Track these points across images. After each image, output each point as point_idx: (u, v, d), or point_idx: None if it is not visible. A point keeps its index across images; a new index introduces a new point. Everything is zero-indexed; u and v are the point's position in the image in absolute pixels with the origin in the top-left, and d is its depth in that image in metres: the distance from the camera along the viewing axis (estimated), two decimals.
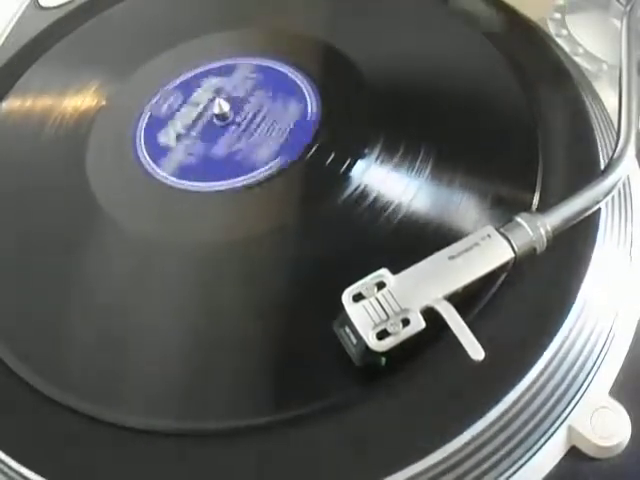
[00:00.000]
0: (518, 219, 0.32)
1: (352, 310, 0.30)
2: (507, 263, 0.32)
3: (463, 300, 0.31)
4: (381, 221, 0.36)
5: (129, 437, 0.32)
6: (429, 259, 0.31)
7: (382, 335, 0.29)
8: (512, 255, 0.32)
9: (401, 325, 0.30)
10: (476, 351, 0.29)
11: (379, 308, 0.30)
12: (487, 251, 0.31)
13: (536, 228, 0.32)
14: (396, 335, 0.29)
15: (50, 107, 0.46)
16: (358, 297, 0.30)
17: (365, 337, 0.29)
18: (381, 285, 0.31)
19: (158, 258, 0.37)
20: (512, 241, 0.32)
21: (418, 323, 0.30)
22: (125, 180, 0.41)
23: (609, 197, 0.34)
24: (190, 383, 0.33)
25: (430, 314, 0.30)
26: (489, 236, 0.32)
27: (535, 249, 0.32)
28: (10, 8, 0.54)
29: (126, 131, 0.43)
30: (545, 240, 0.32)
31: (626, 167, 0.34)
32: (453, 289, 0.30)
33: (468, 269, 0.31)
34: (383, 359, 0.30)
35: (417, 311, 0.30)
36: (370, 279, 0.31)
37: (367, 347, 0.29)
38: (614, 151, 0.35)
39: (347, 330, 0.31)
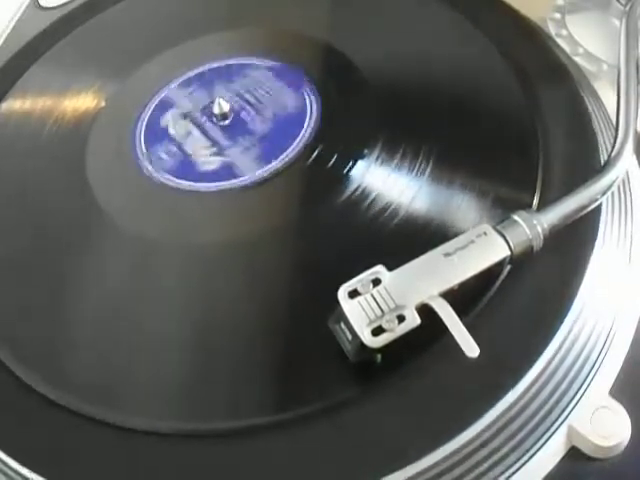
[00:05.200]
0: (515, 217, 0.32)
1: (347, 306, 0.30)
2: (503, 261, 0.32)
3: (459, 297, 0.31)
4: (381, 221, 0.36)
5: (129, 438, 0.32)
6: (425, 256, 0.31)
7: (377, 331, 0.29)
8: (508, 253, 0.31)
9: (396, 322, 0.29)
10: (471, 348, 0.29)
11: (374, 304, 0.30)
12: (483, 248, 0.31)
13: (533, 226, 0.32)
14: (391, 332, 0.29)
15: (50, 107, 0.46)
16: (354, 293, 0.30)
17: (360, 333, 0.29)
18: (377, 281, 0.31)
19: (158, 258, 0.38)
20: (508, 239, 0.32)
21: (413, 320, 0.29)
22: (125, 180, 0.41)
23: (607, 195, 0.34)
24: (189, 384, 0.33)
25: (426, 311, 0.30)
26: (485, 233, 0.32)
27: (532, 247, 0.32)
28: (10, 8, 0.55)
29: (126, 131, 0.43)
30: (542, 238, 0.32)
31: (624, 165, 0.34)
32: (448, 286, 0.30)
33: (464, 266, 0.31)
34: (378, 356, 0.30)
35: (412, 308, 0.30)
36: (366, 275, 0.31)
37: (362, 343, 0.29)
38: (612, 149, 0.35)
39: (342, 326, 0.31)
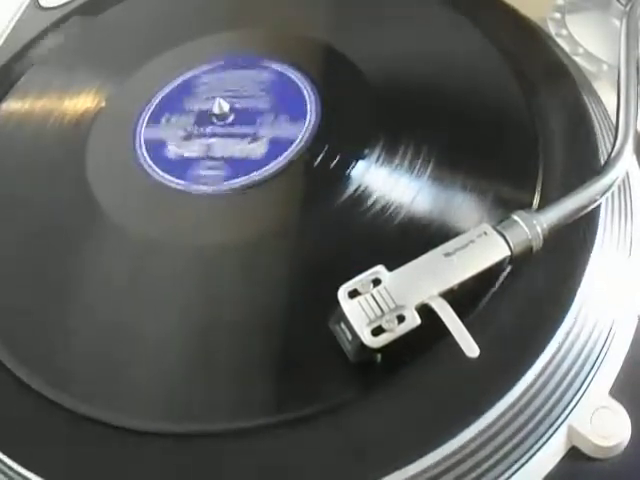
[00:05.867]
0: (514, 217, 0.32)
1: (347, 306, 0.30)
2: (503, 261, 0.32)
3: (460, 297, 0.31)
4: (382, 221, 0.36)
5: (129, 438, 0.32)
6: (425, 256, 0.31)
7: (377, 331, 0.29)
8: (508, 253, 0.31)
9: (396, 322, 0.29)
10: (471, 348, 0.29)
11: (374, 304, 0.30)
12: (483, 248, 0.31)
13: (532, 226, 0.32)
14: (391, 332, 0.29)
15: (50, 108, 0.46)
16: (354, 293, 0.30)
17: (360, 333, 0.29)
18: (377, 282, 0.30)
19: (158, 259, 0.37)
20: (508, 239, 0.32)
21: (413, 320, 0.29)
22: (125, 181, 0.41)
23: (606, 195, 0.34)
24: (189, 384, 0.33)
25: (426, 311, 0.30)
26: (485, 233, 0.32)
27: (531, 247, 0.32)
28: (10, 8, 0.55)
29: (126, 132, 0.43)
30: (541, 238, 0.32)
31: (623, 165, 0.34)
32: (448, 286, 0.30)
33: (463, 266, 0.31)
34: (378, 356, 0.30)
35: (412, 308, 0.30)
36: (366, 276, 0.31)
37: (362, 343, 0.29)
38: (611, 149, 0.35)
39: (343, 326, 0.31)
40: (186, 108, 0.43)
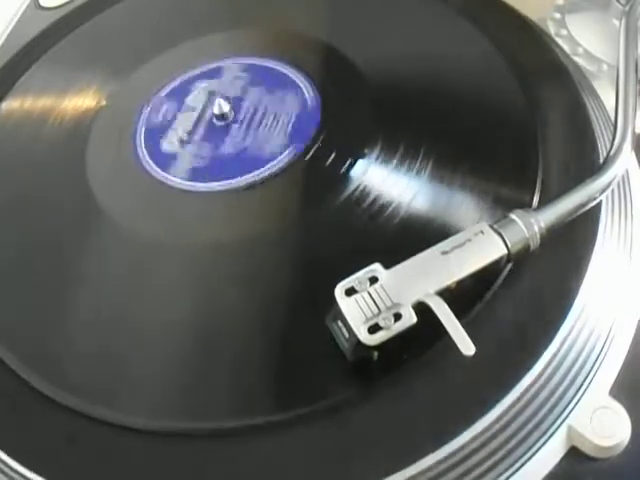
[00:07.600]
0: (512, 216, 0.32)
1: (344, 304, 0.30)
2: (500, 260, 0.32)
3: (458, 296, 0.31)
4: (381, 221, 0.36)
5: (129, 437, 0.32)
6: (422, 254, 0.31)
7: (374, 329, 0.29)
8: (505, 252, 0.31)
9: (393, 319, 0.29)
10: (467, 346, 0.29)
11: (371, 302, 0.30)
12: (480, 247, 0.31)
13: (530, 225, 0.32)
14: (388, 329, 0.29)
15: (50, 107, 0.46)
16: (351, 291, 0.30)
17: (357, 331, 0.29)
18: (374, 279, 0.30)
19: (157, 258, 0.38)
20: (505, 238, 0.32)
21: (410, 318, 0.29)
22: (125, 180, 0.41)
23: (605, 194, 0.34)
24: (189, 383, 0.33)
25: (423, 309, 0.30)
26: (482, 232, 0.32)
27: (529, 246, 0.32)
28: (10, 8, 0.55)
29: (126, 131, 0.43)
30: (539, 237, 0.32)
31: (622, 164, 0.34)
32: (445, 284, 0.30)
33: (460, 265, 0.31)
34: (375, 354, 0.30)
35: (409, 306, 0.30)
36: (363, 273, 0.31)
37: (359, 341, 0.29)
38: (610, 148, 0.35)
39: (339, 324, 0.31)
40: (186, 107, 0.43)
